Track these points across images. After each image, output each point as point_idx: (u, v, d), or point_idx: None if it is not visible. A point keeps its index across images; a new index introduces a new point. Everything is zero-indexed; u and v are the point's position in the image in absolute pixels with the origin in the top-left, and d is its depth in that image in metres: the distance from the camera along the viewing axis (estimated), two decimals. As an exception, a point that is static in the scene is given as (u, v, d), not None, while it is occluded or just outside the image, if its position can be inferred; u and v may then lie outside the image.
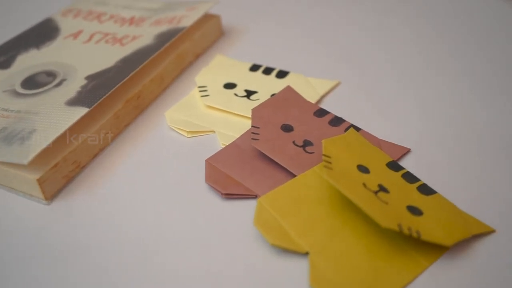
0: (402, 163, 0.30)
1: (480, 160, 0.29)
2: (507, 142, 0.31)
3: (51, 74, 0.36)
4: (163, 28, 0.39)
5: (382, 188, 0.26)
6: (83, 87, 0.33)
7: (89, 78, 0.34)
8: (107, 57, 0.36)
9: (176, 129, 0.33)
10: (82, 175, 0.31)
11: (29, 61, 0.38)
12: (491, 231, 0.25)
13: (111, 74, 0.34)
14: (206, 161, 0.30)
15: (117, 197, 0.29)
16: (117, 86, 0.33)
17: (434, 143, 0.31)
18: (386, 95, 0.35)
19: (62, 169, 0.29)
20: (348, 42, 0.41)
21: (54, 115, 0.31)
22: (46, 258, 0.26)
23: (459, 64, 0.38)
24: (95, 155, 0.32)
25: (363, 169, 0.27)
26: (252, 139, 0.30)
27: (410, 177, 0.28)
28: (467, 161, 0.30)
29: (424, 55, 0.39)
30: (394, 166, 0.28)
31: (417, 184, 0.27)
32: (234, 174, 0.29)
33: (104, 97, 0.32)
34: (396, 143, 0.31)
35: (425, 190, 0.27)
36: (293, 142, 0.30)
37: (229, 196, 0.28)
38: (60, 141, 0.30)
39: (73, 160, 0.30)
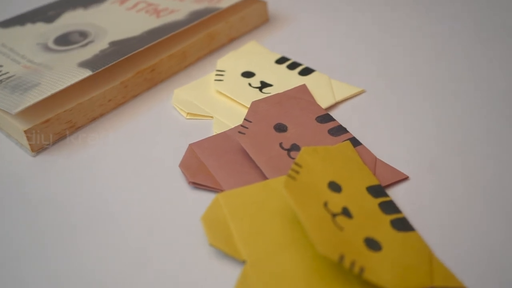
0: (392, 190, 0.27)
1: (486, 216, 0.25)
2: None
3: (83, 34, 0.37)
4: (201, 6, 0.38)
5: (345, 212, 0.24)
6: (103, 51, 0.34)
7: (112, 43, 0.35)
8: (138, 26, 0.37)
9: (178, 108, 0.33)
10: (76, 135, 0.31)
11: (72, 19, 0.39)
12: (460, 288, 0.22)
13: (132, 43, 0.34)
14: (190, 145, 0.29)
15: (99, 162, 0.30)
16: (128, 56, 0.33)
17: (440, 177, 0.27)
18: (407, 115, 0.31)
19: (54, 126, 0.30)
20: (391, 52, 0.37)
21: (62, 73, 0.32)
22: (16, 206, 0.27)
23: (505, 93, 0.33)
24: (94, 119, 0.32)
25: (334, 186, 0.25)
26: (239, 132, 0.29)
27: (388, 207, 0.25)
28: (473, 208, 0.26)
29: (471, 81, 0.34)
30: (375, 191, 0.25)
31: (394, 216, 0.24)
32: (210, 164, 0.28)
33: (110, 64, 0.32)
34: (399, 167, 0.28)
35: (401, 225, 0.24)
36: (280, 144, 0.28)
37: (196, 185, 0.27)
38: (60, 98, 0.31)
39: (68, 120, 0.31)
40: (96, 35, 0.37)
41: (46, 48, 0.36)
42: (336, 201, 0.24)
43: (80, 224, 0.26)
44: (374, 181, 0.26)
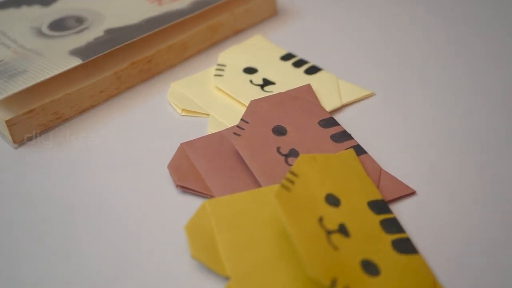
0: (397, 206, 0.24)
1: (503, 242, 0.23)
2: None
3: (79, 20, 0.35)
4: (206, -5, 0.36)
5: (341, 230, 0.21)
6: (97, 39, 0.32)
7: (108, 31, 0.33)
8: (137, 13, 0.35)
9: (172, 104, 0.31)
10: (63, 127, 0.30)
11: (70, 3, 0.37)
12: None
13: (128, 32, 0.32)
14: (181, 144, 0.27)
15: (84, 158, 0.28)
16: (122, 45, 0.31)
17: (450, 194, 0.25)
18: (418, 123, 0.29)
19: (39, 116, 0.28)
20: (405, 54, 0.35)
21: (51, 61, 0.30)
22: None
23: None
24: (83, 111, 0.30)
25: (332, 200, 0.23)
26: (234, 133, 0.27)
27: (390, 225, 0.22)
28: (487, 232, 0.23)
29: (494, 89, 0.32)
30: (377, 206, 0.23)
31: (396, 236, 0.22)
32: (200, 166, 0.26)
33: (102, 53, 0.30)
34: (406, 180, 0.25)
35: (403, 246, 0.22)
36: (278, 149, 0.26)
37: (183, 189, 0.25)
38: (48, 88, 0.29)
39: (54, 111, 0.29)
40: (93, 21, 0.35)
41: (40, 33, 0.34)
42: (333, 217, 0.22)
43: (57, 223, 0.24)
44: (376, 195, 0.24)
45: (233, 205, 0.23)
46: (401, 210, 0.24)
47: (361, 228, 0.22)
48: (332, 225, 0.21)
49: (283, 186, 0.22)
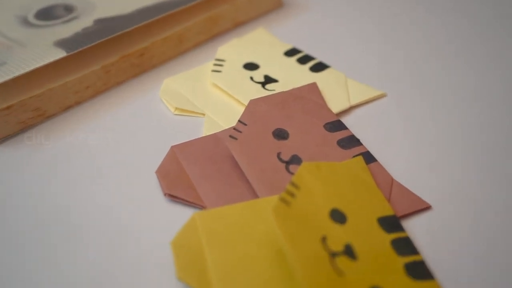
0: (410, 222, 0.22)
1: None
2: None
3: (68, 9, 0.33)
4: (205, -16, 0.34)
5: (347, 251, 0.19)
6: (85, 29, 0.30)
7: (98, 21, 0.30)
8: (130, 2, 0.32)
9: (165, 102, 0.28)
10: (44, 125, 0.27)
11: (59, -9, 0.35)
12: None
13: (119, 22, 0.30)
14: (172, 147, 0.25)
15: (66, 160, 0.25)
16: (112, 36, 0.28)
17: (471, 209, 0.22)
18: (435, 128, 0.26)
19: (18, 113, 0.26)
20: (420, 52, 0.32)
21: (33, 53, 0.27)
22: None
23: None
24: (68, 108, 0.28)
25: (338, 216, 0.20)
26: (230, 136, 0.24)
27: (403, 246, 0.20)
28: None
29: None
30: (388, 223, 0.21)
31: (409, 258, 0.20)
32: (192, 172, 0.23)
33: (89, 45, 0.27)
34: (421, 193, 0.23)
35: (417, 270, 0.19)
36: (278, 155, 0.24)
37: (172, 198, 0.23)
38: (29, 82, 0.27)
39: (35, 107, 0.27)
40: (82, 10, 0.32)
41: (25, 22, 0.31)
42: (338, 236, 0.19)
43: (30, 232, 0.22)
44: (387, 211, 0.21)
45: (226, 218, 0.21)
46: (414, 228, 0.22)
47: (370, 250, 0.19)
48: (337, 245, 0.19)
49: (282, 200, 0.19)
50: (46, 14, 0.32)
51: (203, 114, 0.27)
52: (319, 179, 0.21)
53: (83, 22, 0.31)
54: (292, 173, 0.23)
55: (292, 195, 0.20)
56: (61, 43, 0.28)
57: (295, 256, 0.18)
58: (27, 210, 0.23)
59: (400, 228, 0.21)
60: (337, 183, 0.21)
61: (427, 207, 0.22)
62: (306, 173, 0.21)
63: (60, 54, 0.27)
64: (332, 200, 0.20)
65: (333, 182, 0.21)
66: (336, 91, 0.28)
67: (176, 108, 0.28)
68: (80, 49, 0.27)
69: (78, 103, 0.28)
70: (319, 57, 0.31)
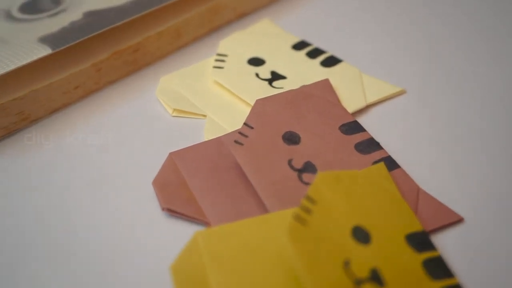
0: (440, 238, 0.19)
1: None
2: None
3: (56, 1, 0.30)
4: (205, -29, 0.31)
5: (374, 277, 0.16)
6: (73, 23, 0.27)
7: (88, 14, 0.28)
8: (123, -7, 0.29)
9: (162, 102, 0.26)
10: (29, 130, 0.25)
11: (47, -18, 0.32)
12: None
13: (111, 15, 0.27)
14: (170, 154, 0.22)
15: (53, 169, 0.23)
16: (103, 31, 0.26)
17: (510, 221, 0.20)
18: (463, 127, 0.24)
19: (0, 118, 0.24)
20: (442, 43, 0.29)
21: (16, 50, 0.25)
22: None
23: None
24: (55, 110, 0.25)
25: (361, 235, 0.17)
26: (235, 141, 0.22)
27: (437, 268, 0.17)
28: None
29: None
30: (418, 241, 0.18)
31: (444, 283, 0.17)
32: (193, 183, 0.21)
33: (77, 41, 0.25)
34: (451, 203, 0.20)
35: (453, 297, 0.17)
36: (289, 162, 0.21)
37: (172, 212, 0.20)
38: (11, 83, 0.24)
39: (19, 110, 0.24)
40: (71, 1, 0.29)
41: (8, 16, 0.29)
42: (363, 258, 0.17)
43: (8, 250, 0.20)
44: (416, 226, 0.19)
45: (232, 237, 0.18)
46: (445, 244, 0.19)
47: (399, 274, 0.17)
48: (362, 270, 0.16)
49: (297, 219, 0.17)
50: (31, 7, 0.29)
51: (204, 116, 0.25)
52: (338, 191, 0.18)
53: (72, 15, 0.28)
54: (305, 183, 0.20)
55: (308, 211, 0.17)
56: (46, 39, 0.26)
57: (314, 284, 0.15)
58: (5, 226, 0.21)
59: (432, 246, 0.18)
60: (358, 195, 0.19)
61: (459, 220, 0.20)
62: (323, 184, 0.18)
63: (45, 51, 0.24)
64: (354, 216, 0.18)
65: (354, 195, 0.19)
66: (351, 88, 0.26)
67: (174, 109, 0.25)
68: (67, 45, 0.25)
69: (66, 105, 0.26)
70: (331, 51, 0.28)
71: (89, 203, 0.21)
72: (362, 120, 0.24)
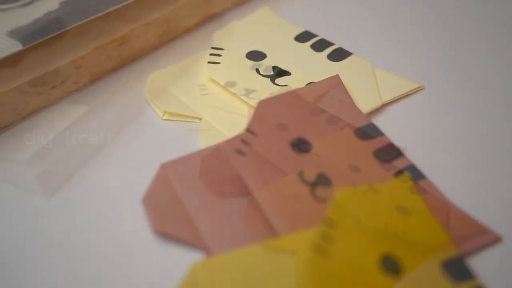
0: (475, 260, 0.17)
1: None
2: None
3: (30, -11, 0.27)
4: (196, -46, 0.28)
5: (410, 319, 0.14)
6: (48, 14, 0.24)
7: (65, 3, 0.25)
8: (105, -21, 0.26)
9: (152, 104, 0.23)
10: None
11: (19, -33, 0.29)
12: None
13: (92, 4, 0.24)
14: (161, 166, 0.19)
15: (25, 181, 0.20)
16: (82, 22, 0.23)
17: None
18: (496, 130, 0.21)
19: (-38, 125, 0.21)
20: (464, 34, 0.26)
21: (-20, 46, 0.22)
22: None
23: None
24: (29, 114, 0.22)
25: (391, 265, 0.15)
26: (236, 150, 0.19)
27: (478, 302, 0.15)
28: None
29: None
30: (457, 269, 0.15)
31: (488, 320, 0.15)
32: (189, 201, 0.18)
33: (51, 35, 0.22)
34: (487, 219, 0.18)
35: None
36: (300, 175, 0.18)
37: (166, 236, 0.17)
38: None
39: (-16, 116, 0.21)
40: (47, -11, 0.26)
41: (-25, 6, 0.26)
42: (395, 296, 0.14)
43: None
44: (451, 250, 0.16)
45: (236, 268, 0.15)
46: (482, 268, 0.16)
47: (437, 313, 0.14)
48: (395, 312, 0.14)
49: (317, 250, 0.14)
50: (1, -4, 0.26)
51: (200, 119, 0.22)
52: (361, 211, 0.16)
53: (47, 5, 0.25)
54: (319, 199, 0.18)
55: (328, 239, 0.14)
56: (17, 33, 0.22)
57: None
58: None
59: (471, 275, 0.15)
60: (383, 215, 0.16)
61: (497, 239, 0.17)
62: (342, 203, 0.16)
63: (15, 47, 0.21)
64: (382, 241, 0.15)
65: (379, 215, 0.16)
66: (364, 85, 0.23)
67: (166, 112, 0.22)
68: (41, 40, 0.22)
69: (40, 108, 0.23)
70: (338, 42, 0.25)
71: (68, 224, 0.18)
72: (377, 122, 0.22)
